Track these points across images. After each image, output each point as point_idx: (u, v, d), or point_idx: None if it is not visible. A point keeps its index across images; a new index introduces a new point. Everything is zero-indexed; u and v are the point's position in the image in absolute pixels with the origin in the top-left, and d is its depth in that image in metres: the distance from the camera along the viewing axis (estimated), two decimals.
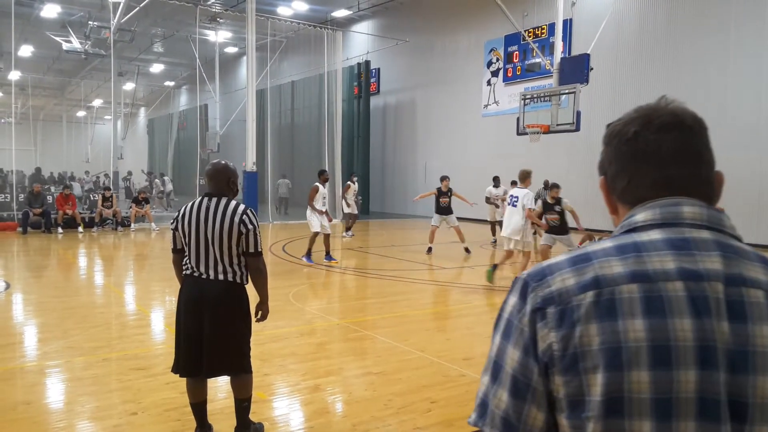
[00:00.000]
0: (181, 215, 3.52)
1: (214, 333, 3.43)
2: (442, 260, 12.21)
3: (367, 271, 10.67)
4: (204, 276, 3.45)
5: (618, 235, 0.99)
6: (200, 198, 3.53)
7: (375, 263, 12.02)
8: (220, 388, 4.44)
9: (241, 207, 3.50)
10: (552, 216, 9.56)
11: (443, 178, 13.08)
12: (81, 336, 6.07)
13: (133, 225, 17.27)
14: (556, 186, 9.68)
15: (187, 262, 3.51)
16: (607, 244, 0.97)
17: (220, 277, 3.44)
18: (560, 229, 9.54)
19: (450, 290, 9.36)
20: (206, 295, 3.43)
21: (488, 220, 15.43)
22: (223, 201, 3.48)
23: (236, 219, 3.43)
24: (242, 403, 3.63)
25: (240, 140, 21.02)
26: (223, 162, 3.66)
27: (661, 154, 0.98)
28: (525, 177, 9.32)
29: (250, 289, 3.61)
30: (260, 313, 3.68)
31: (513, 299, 0.99)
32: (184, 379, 3.61)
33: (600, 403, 0.87)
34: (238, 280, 3.50)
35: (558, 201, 9.53)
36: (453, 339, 6.53)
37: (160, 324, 7.04)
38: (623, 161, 1.02)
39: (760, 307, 0.89)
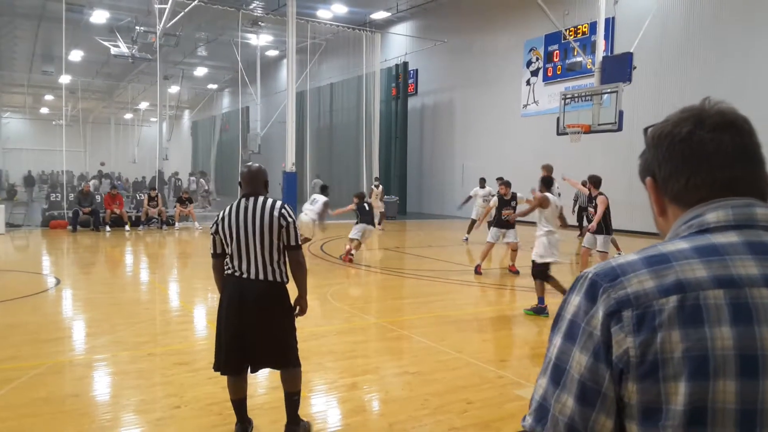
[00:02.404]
0: (220, 218, 3.60)
1: (259, 330, 3.50)
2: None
3: (403, 272, 10.69)
4: (245, 276, 3.51)
5: (689, 236, 0.95)
6: (238, 200, 3.62)
7: (412, 263, 12.03)
8: (260, 384, 4.53)
9: (278, 203, 3.59)
10: (507, 211, 10.52)
11: (505, 183, 10.66)
12: (127, 331, 6.27)
13: (177, 224, 17.71)
14: (507, 184, 10.66)
15: (229, 262, 3.58)
16: (682, 245, 0.93)
17: (261, 276, 3.50)
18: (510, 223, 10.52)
19: (487, 291, 9.30)
20: (248, 294, 3.49)
21: (472, 217, 15.22)
22: (260, 199, 3.57)
23: (275, 213, 3.51)
24: (292, 396, 3.69)
25: (280, 141, 21.32)
26: (256, 164, 3.77)
27: (720, 154, 0.96)
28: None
29: (290, 287, 3.67)
30: (299, 307, 3.73)
31: (577, 299, 0.94)
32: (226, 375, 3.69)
33: (682, 412, 0.84)
34: (279, 279, 3.56)
35: (513, 197, 10.68)
36: (490, 340, 6.49)
37: (203, 320, 7.21)
38: (678, 161, 0.99)
39: None
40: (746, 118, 0.99)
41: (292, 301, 3.70)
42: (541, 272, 7.34)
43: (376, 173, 21.69)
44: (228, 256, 3.59)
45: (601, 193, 9.30)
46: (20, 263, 11.76)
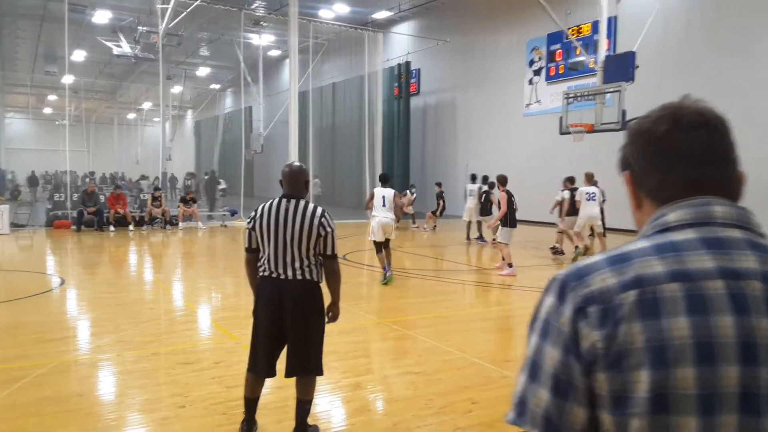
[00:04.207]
0: (258, 215, 3.56)
1: (295, 334, 3.50)
2: (482, 261, 12.13)
3: (407, 271, 10.70)
4: (282, 276, 3.50)
5: (652, 235, 1.00)
6: (278, 199, 3.58)
7: (415, 263, 12.03)
8: (265, 384, 4.54)
9: (319, 209, 3.55)
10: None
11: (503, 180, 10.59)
12: (131, 331, 6.29)
13: (181, 224, 17.74)
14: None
15: (265, 263, 3.56)
16: (643, 243, 0.99)
17: (298, 276, 3.50)
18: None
19: (491, 291, 9.30)
20: (286, 294, 3.49)
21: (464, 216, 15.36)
22: (302, 203, 3.54)
23: (315, 221, 3.48)
24: (305, 405, 3.66)
25: (282, 141, 21.32)
26: (297, 163, 3.72)
27: (692, 154, 1.01)
28: (591, 177, 11.86)
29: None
30: (332, 313, 3.73)
31: (550, 299, 1.00)
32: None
33: (645, 399, 0.88)
34: (315, 278, 3.55)
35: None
36: (494, 340, 6.50)
37: (207, 320, 7.23)
38: (653, 159, 1.04)
39: None
40: (723, 118, 1.03)
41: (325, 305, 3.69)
42: None
43: (378, 173, 21.71)
44: (263, 256, 3.56)
45: (507, 191, 10.20)
46: (25, 263, 11.80)
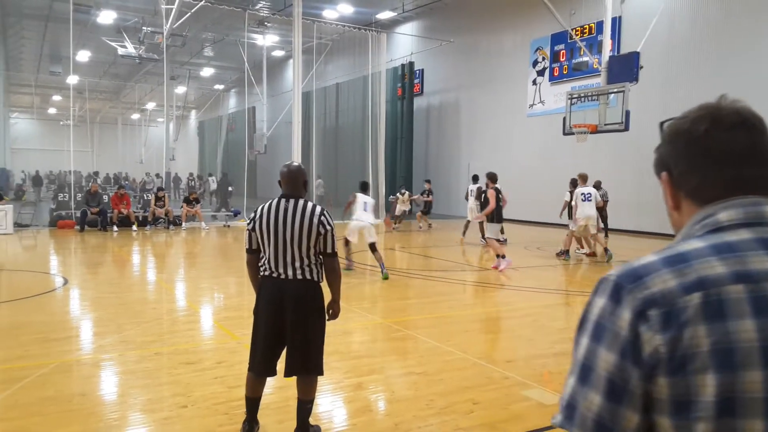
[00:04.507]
0: (258, 216, 3.57)
1: (296, 333, 3.50)
2: (483, 261, 12.12)
3: (409, 272, 10.69)
4: (283, 276, 3.51)
5: (704, 235, 0.99)
6: (277, 199, 3.59)
7: (417, 263, 12.02)
8: (267, 383, 4.53)
9: (318, 208, 3.56)
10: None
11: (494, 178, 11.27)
12: (134, 330, 6.30)
13: (184, 224, 17.77)
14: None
15: (265, 263, 3.57)
16: (698, 244, 0.97)
17: (299, 275, 3.50)
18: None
19: (492, 292, 9.29)
20: (287, 294, 3.50)
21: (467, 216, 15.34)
22: (301, 202, 3.55)
23: (315, 220, 3.49)
24: (306, 404, 3.66)
25: (286, 141, 21.36)
26: (296, 163, 3.73)
27: (734, 154, 1.00)
28: (586, 178, 12.02)
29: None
30: (332, 311, 3.73)
31: (602, 301, 0.97)
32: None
33: (712, 403, 0.87)
34: (315, 278, 3.56)
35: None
36: (496, 341, 6.49)
37: (209, 320, 7.23)
38: (693, 159, 1.03)
39: None
40: (761, 117, 1.03)
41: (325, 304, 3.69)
42: None
43: (382, 173, 21.73)
44: (264, 256, 3.57)
45: (495, 188, 10.74)
46: (28, 263, 11.84)
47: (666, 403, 0.90)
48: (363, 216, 9.84)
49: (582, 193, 11.74)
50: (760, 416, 0.87)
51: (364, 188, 10.30)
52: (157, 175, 32.71)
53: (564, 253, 12.20)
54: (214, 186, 29.46)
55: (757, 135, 1.01)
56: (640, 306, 0.92)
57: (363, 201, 9.92)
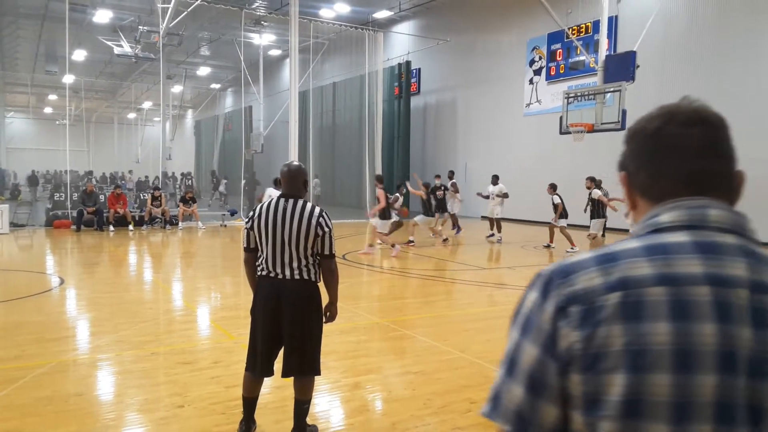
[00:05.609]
0: (257, 215, 3.56)
1: (293, 333, 3.49)
2: (481, 261, 12.13)
3: (406, 271, 10.69)
4: (280, 276, 3.50)
5: (644, 235, 0.98)
6: (276, 198, 3.57)
7: (414, 263, 12.03)
8: (264, 383, 4.53)
9: (317, 209, 3.54)
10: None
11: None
12: (130, 330, 6.28)
13: (180, 223, 17.74)
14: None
15: (263, 263, 3.55)
16: (633, 244, 0.96)
17: (296, 275, 3.49)
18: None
19: (489, 291, 9.29)
20: (284, 294, 3.48)
21: (487, 216, 15.44)
22: (300, 203, 3.53)
23: (313, 221, 3.48)
24: (303, 405, 3.65)
25: (283, 141, 21.34)
26: (296, 163, 3.71)
27: (684, 148, 0.98)
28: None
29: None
30: (329, 313, 3.72)
31: (534, 295, 0.98)
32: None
33: (618, 403, 0.87)
34: (313, 278, 3.55)
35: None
36: (493, 340, 6.48)
37: (206, 320, 7.22)
38: (646, 156, 1.02)
39: None
40: (720, 115, 1.01)
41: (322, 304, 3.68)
42: None
43: (378, 172, 21.73)
44: (261, 256, 3.56)
45: (384, 188, 12.27)
46: (24, 263, 11.81)
47: (579, 399, 0.91)
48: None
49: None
50: (664, 420, 0.86)
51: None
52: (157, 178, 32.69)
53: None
54: (223, 188, 29.54)
55: (712, 131, 0.99)
56: (562, 302, 0.93)
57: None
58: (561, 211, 13.04)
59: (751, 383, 0.86)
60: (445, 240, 14.41)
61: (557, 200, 13.08)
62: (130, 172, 35.92)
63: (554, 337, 0.93)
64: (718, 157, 0.99)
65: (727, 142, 1.00)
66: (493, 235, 14.96)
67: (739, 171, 1.01)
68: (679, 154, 0.99)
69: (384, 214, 12.35)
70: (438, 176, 18.85)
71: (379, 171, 21.89)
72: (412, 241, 14.23)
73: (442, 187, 15.28)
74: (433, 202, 14.71)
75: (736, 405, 0.86)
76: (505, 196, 14.86)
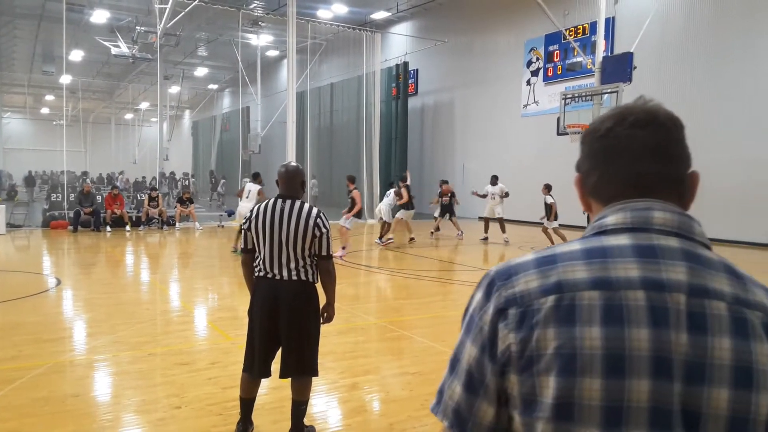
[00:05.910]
0: (254, 216, 3.55)
1: (291, 334, 3.48)
2: (478, 261, 12.14)
3: (404, 272, 10.70)
4: (278, 277, 3.49)
5: (587, 237, 0.98)
6: (273, 199, 3.57)
7: (412, 264, 12.03)
8: (261, 384, 4.53)
9: (315, 210, 3.54)
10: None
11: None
12: (128, 331, 6.27)
13: (177, 224, 17.71)
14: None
15: (260, 263, 3.54)
16: (575, 246, 0.96)
17: (294, 276, 3.48)
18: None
19: None
20: (281, 295, 3.48)
21: (486, 216, 15.44)
22: (297, 203, 3.52)
23: (311, 222, 3.47)
24: (300, 405, 3.65)
25: (280, 142, 21.34)
26: (293, 163, 3.71)
27: (632, 150, 0.97)
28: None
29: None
30: (326, 314, 3.71)
31: (479, 295, 0.99)
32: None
33: (551, 405, 0.88)
34: (310, 279, 3.54)
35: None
36: None
37: (203, 321, 7.21)
38: (596, 157, 1.01)
39: (721, 320, 0.88)
40: (673, 116, 0.99)
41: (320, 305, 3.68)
42: None
43: (376, 173, 21.76)
44: (259, 256, 3.55)
45: (356, 188, 12.45)
46: (21, 263, 11.78)
47: (517, 399, 0.92)
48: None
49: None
50: (596, 425, 0.86)
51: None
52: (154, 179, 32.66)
53: None
54: (221, 189, 29.56)
55: (663, 132, 0.97)
56: (502, 304, 0.94)
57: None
58: (555, 212, 13.06)
59: (688, 388, 0.86)
60: (412, 239, 14.47)
61: (550, 200, 13.04)
62: (121, 173, 35.81)
63: (493, 338, 0.94)
64: (667, 158, 0.98)
65: (679, 143, 0.99)
66: (486, 238, 14.97)
67: (693, 172, 1.00)
68: (628, 155, 0.97)
69: (359, 215, 12.73)
70: (446, 182, 18.78)
71: (377, 172, 21.92)
72: (413, 239, 14.38)
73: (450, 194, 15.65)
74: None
75: (672, 410, 0.85)
76: (507, 195, 14.89)
